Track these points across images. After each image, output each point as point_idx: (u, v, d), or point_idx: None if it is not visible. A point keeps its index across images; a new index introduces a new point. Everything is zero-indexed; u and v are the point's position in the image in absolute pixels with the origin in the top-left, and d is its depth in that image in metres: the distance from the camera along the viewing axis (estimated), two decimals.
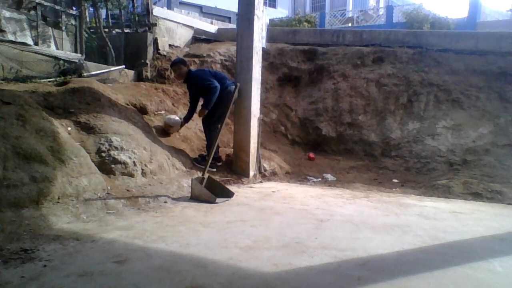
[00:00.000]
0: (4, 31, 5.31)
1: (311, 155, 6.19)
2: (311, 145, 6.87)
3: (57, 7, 6.20)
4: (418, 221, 3.24)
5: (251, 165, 5.07)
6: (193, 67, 7.31)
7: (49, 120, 3.48)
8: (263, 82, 6.07)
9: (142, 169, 4.04)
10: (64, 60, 5.85)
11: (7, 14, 5.43)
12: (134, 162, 3.97)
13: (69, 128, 3.84)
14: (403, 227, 3.01)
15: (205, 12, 22.11)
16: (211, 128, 5.01)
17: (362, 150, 6.42)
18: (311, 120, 6.96)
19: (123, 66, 6.74)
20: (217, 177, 4.55)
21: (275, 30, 9.06)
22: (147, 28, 7.37)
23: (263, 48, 5.54)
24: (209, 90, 4.75)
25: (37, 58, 5.48)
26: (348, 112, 6.66)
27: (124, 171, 3.87)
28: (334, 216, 3.32)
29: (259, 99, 5.32)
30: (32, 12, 5.79)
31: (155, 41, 7.35)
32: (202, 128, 6.16)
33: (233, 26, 10.59)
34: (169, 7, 18.44)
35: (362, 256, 2.34)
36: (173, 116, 5.32)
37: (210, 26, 9.08)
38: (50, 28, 6.11)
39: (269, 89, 7.28)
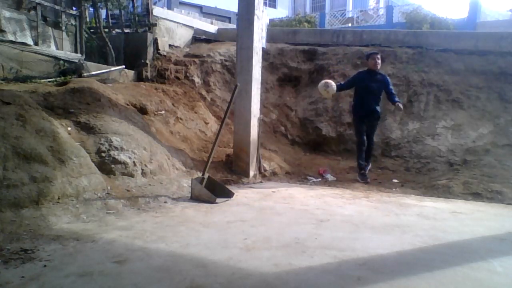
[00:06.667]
0: (4, 31, 5.32)
1: (321, 171, 5.78)
2: (311, 145, 6.87)
3: (57, 7, 6.19)
4: (418, 221, 3.24)
5: (251, 165, 5.07)
6: (193, 67, 7.33)
7: (49, 120, 3.48)
8: (263, 82, 6.07)
9: (142, 169, 4.04)
10: (64, 60, 5.86)
11: (7, 14, 5.43)
12: (134, 162, 3.97)
13: (69, 128, 3.84)
14: (403, 227, 3.01)
15: (205, 12, 22.13)
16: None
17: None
18: (311, 120, 6.96)
19: (123, 66, 6.74)
20: (217, 177, 4.55)
21: (275, 30, 9.06)
22: (147, 28, 7.38)
23: (263, 48, 5.54)
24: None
25: (37, 58, 5.49)
26: (348, 112, 6.66)
27: (124, 171, 3.87)
28: (334, 216, 3.32)
29: (259, 99, 5.32)
30: (32, 12, 5.79)
31: (155, 41, 7.35)
32: (202, 128, 6.20)
33: (233, 26, 10.59)
34: (169, 7, 18.47)
35: (362, 256, 2.34)
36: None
37: (210, 26, 9.08)
38: (50, 28, 6.11)
39: (269, 89, 7.28)
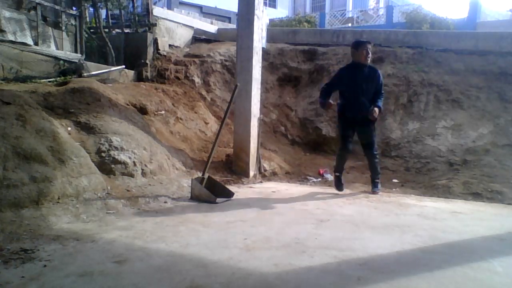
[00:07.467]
0: (4, 31, 5.32)
1: (321, 171, 5.85)
2: (311, 145, 6.87)
3: (57, 7, 6.19)
4: (418, 221, 3.24)
5: (251, 165, 5.07)
6: (193, 67, 7.32)
7: (49, 120, 3.48)
8: (263, 82, 6.06)
9: (142, 169, 4.04)
10: (64, 60, 5.86)
11: (7, 14, 5.43)
12: (134, 162, 3.97)
13: (69, 128, 3.84)
14: (403, 227, 3.01)
15: (205, 12, 22.15)
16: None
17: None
18: (311, 120, 6.96)
19: (123, 66, 6.74)
20: (217, 177, 4.55)
21: (275, 30, 9.07)
22: (147, 28, 7.38)
23: (263, 48, 5.54)
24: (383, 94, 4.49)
25: (37, 58, 5.49)
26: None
27: (124, 171, 3.87)
28: (334, 216, 3.32)
29: (259, 99, 5.32)
30: (32, 12, 5.79)
31: (155, 41, 7.35)
32: (202, 128, 6.20)
33: (233, 26, 10.60)
34: (169, 7, 18.48)
35: (362, 256, 2.34)
36: None
37: (210, 26, 9.08)
38: (50, 28, 6.11)
39: (269, 89, 7.28)
